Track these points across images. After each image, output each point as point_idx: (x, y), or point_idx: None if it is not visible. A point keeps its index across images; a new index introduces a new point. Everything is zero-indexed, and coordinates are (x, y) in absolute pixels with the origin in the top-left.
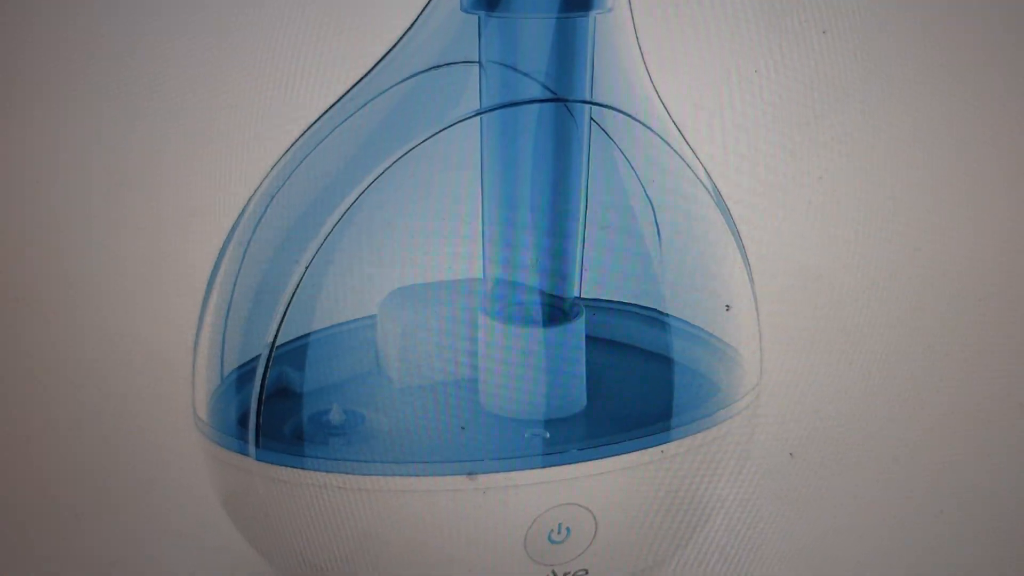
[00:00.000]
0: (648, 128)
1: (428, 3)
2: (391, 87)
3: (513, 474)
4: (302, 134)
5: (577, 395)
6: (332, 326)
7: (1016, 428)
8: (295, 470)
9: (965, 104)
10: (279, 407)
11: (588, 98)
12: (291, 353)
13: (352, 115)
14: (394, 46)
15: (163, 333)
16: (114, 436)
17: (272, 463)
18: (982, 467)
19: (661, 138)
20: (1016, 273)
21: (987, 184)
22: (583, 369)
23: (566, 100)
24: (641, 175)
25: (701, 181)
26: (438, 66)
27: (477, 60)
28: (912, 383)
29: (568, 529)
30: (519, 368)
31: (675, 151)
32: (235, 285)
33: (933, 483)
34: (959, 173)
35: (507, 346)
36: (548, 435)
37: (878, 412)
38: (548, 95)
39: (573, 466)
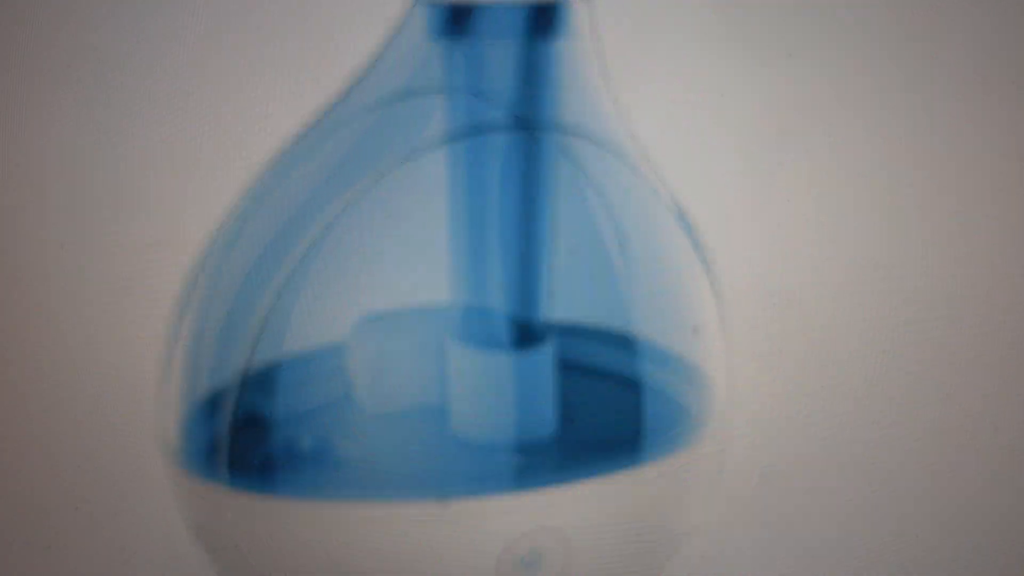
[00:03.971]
0: (614, 152)
1: (394, 31)
2: (357, 114)
3: (484, 500)
4: (269, 161)
5: (548, 420)
6: (302, 353)
7: (992, 450)
8: (266, 498)
9: (932, 125)
10: (249, 435)
11: (555, 123)
12: (261, 381)
13: (318, 143)
14: (360, 73)
15: (132, 361)
16: (82, 466)
17: (242, 491)
18: (958, 489)
19: (627, 162)
20: (990, 295)
21: (959, 204)
22: (553, 393)
23: (532, 126)
24: (608, 199)
25: (668, 204)
26: (404, 93)
27: (443, 87)
28: (885, 405)
29: (540, 555)
30: (489, 393)
31: (642, 175)
32: (204, 313)
33: (909, 506)
34: (929, 194)
35: (476, 371)
36: (519, 460)
37: (850, 434)
38: (514, 121)
39: (544, 491)
